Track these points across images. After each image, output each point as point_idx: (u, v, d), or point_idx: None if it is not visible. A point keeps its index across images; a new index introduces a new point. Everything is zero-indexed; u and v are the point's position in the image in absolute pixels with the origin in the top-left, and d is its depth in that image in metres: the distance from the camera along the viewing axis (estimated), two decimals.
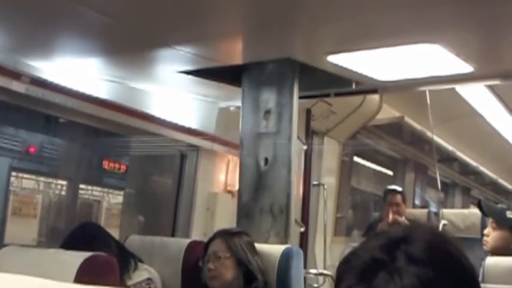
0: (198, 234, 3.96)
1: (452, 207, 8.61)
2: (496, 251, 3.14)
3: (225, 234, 2.99)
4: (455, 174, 8.78)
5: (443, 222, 4.59)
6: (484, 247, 3.21)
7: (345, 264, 0.99)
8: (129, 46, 2.99)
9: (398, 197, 5.08)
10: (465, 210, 4.49)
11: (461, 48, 2.78)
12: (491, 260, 2.74)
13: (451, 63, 2.93)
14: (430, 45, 2.71)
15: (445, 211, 5.02)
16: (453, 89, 4.30)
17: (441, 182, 5.08)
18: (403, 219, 5.06)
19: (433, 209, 6.57)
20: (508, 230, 3.14)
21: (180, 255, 3.16)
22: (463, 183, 9.38)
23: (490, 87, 4.49)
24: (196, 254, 3.12)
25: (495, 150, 7.40)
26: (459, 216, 4.81)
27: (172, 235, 4.04)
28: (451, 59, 2.87)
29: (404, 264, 0.93)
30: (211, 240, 3.00)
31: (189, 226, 4.04)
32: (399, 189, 5.33)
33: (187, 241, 3.29)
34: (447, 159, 7.34)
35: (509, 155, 7.48)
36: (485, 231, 3.23)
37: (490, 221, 3.23)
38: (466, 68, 2.99)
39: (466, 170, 8.56)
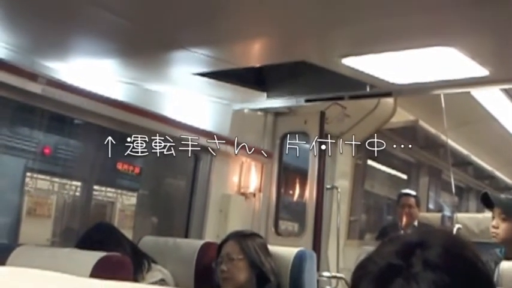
0: (211, 235, 3.97)
1: (467, 211, 8.56)
2: (507, 243, 3.14)
3: (238, 236, 3.00)
4: (469, 178, 8.76)
5: (457, 226, 4.56)
6: (494, 239, 3.19)
7: (361, 270, 0.99)
8: (145, 48, 3.01)
9: (412, 200, 5.10)
10: (479, 215, 4.45)
11: (476, 51, 2.77)
12: (505, 264, 2.71)
13: (466, 66, 2.92)
14: (445, 49, 2.70)
15: (459, 215, 4.99)
16: (468, 92, 4.29)
17: (455, 186, 5.05)
18: (416, 223, 5.06)
19: (447, 213, 6.54)
20: None
21: (194, 257, 3.17)
22: (478, 187, 9.28)
23: (505, 91, 4.49)
24: (209, 255, 3.13)
25: (510, 155, 7.35)
26: (473, 220, 4.77)
27: (186, 236, 4.04)
28: (467, 63, 2.86)
29: (421, 269, 0.93)
30: (224, 242, 3.01)
31: (202, 227, 4.05)
32: (413, 193, 5.32)
33: (200, 242, 3.30)
34: (462, 163, 7.32)
35: None
36: (493, 223, 3.19)
37: (497, 212, 3.19)
38: (482, 71, 2.98)
39: (480, 174, 8.53)
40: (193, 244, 3.32)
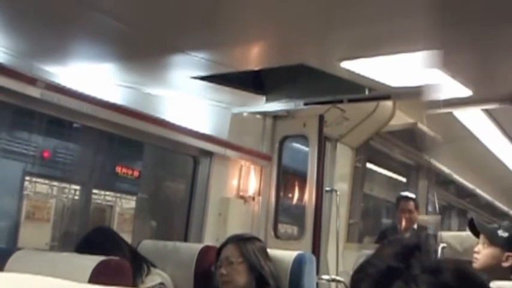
0: (210, 239, 3.97)
1: (449, 229, 8.57)
2: (486, 269, 3.13)
3: (237, 240, 3.01)
4: (451, 196, 8.80)
5: (442, 245, 4.53)
6: (474, 264, 3.18)
7: (360, 273, 1.01)
8: (144, 52, 3.02)
9: (412, 205, 5.10)
10: (463, 233, 4.44)
11: (459, 72, 2.84)
12: (494, 285, 2.73)
13: (449, 87, 2.99)
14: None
15: (444, 234, 4.93)
16: (450, 112, 4.37)
17: (438, 204, 5.10)
18: (415, 226, 5.05)
19: (431, 231, 6.55)
20: (499, 248, 3.13)
21: (193, 260, 3.18)
22: (460, 205, 9.43)
23: (487, 111, 4.53)
24: (208, 259, 3.14)
25: (491, 173, 7.41)
26: (457, 239, 4.71)
27: (185, 240, 4.04)
28: (450, 83, 2.93)
29: (420, 272, 0.95)
30: (223, 245, 3.02)
31: (201, 231, 4.05)
32: (412, 195, 5.31)
33: (199, 246, 3.31)
34: (444, 181, 7.37)
35: (505, 177, 7.48)
36: (476, 249, 3.22)
37: (480, 239, 3.22)
38: (465, 91, 3.05)
39: (462, 192, 8.59)
40: (192, 248, 3.33)
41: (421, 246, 0.99)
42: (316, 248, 4.14)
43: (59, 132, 10.13)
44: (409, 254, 0.98)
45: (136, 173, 11.90)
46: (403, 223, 5.04)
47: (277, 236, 4.39)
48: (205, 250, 3.23)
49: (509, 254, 3.10)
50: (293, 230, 6.73)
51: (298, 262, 3.02)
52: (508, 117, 4.63)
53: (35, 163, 10.53)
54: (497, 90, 3.21)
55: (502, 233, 3.14)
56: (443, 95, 3.15)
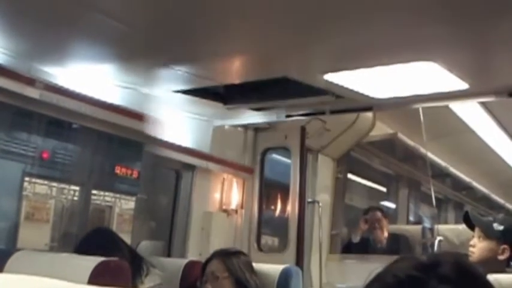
0: (193, 253, 3.95)
1: (446, 222, 8.53)
2: (482, 262, 3.13)
3: (222, 255, 3.00)
4: (447, 189, 8.74)
5: (438, 238, 4.57)
6: (470, 258, 3.20)
7: (378, 282, 1.01)
8: (142, 54, 3.00)
9: (378, 214, 5.04)
10: (459, 226, 4.36)
11: (456, 65, 2.83)
12: (491, 278, 2.79)
13: (446, 80, 2.97)
14: (425, 63, 2.75)
15: (440, 227, 4.96)
16: (447, 106, 4.32)
17: (434, 197, 5.03)
18: (385, 235, 4.99)
19: (427, 224, 6.54)
20: (495, 241, 3.15)
21: (178, 275, 3.17)
22: (456, 198, 9.32)
23: (483, 104, 4.52)
24: (193, 274, 3.13)
25: (487, 166, 7.36)
26: (454, 232, 4.77)
27: (168, 255, 4.01)
28: (447, 76, 2.91)
29: (438, 283, 0.96)
30: (209, 260, 3.01)
31: (184, 246, 4.02)
32: (380, 206, 5.28)
33: (184, 261, 3.30)
34: (440, 174, 7.26)
35: (502, 170, 7.45)
36: (471, 242, 3.24)
37: (476, 232, 3.24)
38: (461, 85, 3.02)
39: (458, 185, 8.51)
40: (177, 263, 3.31)
41: (439, 260, 1.00)
42: (300, 260, 4.08)
43: (58, 133, 10.15)
44: (426, 267, 0.99)
45: (135, 173, 11.91)
46: (375, 235, 4.95)
47: (260, 249, 4.34)
48: (190, 265, 3.21)
49: (505, 246, 3.12)
50: (273, 241, 6.75)
51: (285, 276, 3.01)
52: (505, 110, 4.64)
53: (34, 164, 10.57)
54: (493, 83, 3.17)
55: (497, 226, 3.16)
56: (439, 88, 3.11)
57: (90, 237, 3.09)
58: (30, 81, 2.92)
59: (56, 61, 3.11)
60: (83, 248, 2.84)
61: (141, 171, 4.36)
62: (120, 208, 13.81)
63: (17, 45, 2.91)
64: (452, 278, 0.97)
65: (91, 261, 2.01)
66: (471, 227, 3.30)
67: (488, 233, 3.18)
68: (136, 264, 2.99)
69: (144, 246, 4.07)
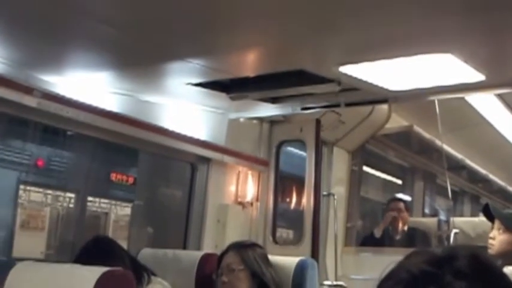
0: (209, 246, 3.97)
1: (461, 215, 8.62)
2: (502, 255, 3.14)
3: (238, 247, 3.01)
4: (463, 182, 8.79)
5: (454, 231, 4.57)
6: (489, 250, 3.19)
7: (391, 279, 0.99)
8: (140, 59, 3.01)
9: (402, 205, 5.12)
10: (475, 219, 4.46)
11: (472, 57, 2.78)
12: (507, 271, 2.71)
13: (462, 72, 2.93)
14: (441, 55, 2.71)
15: (456, 219, 5.00)
16: (462, 98, 4.32)
17: (450, 190, 5.09)
18: (406, 227, 5.05)
19: (443, 217, 6.56)
20: None
21: (194, 268, 3.17)
22: (472, 191, 9.40)
23: (500, 96, 4.53)
24: (209, 266, 3.14)
25: (504, 158, 7.43)
26: (470, 224, 4.81)
27: (184, 247, 4.03)
28: (463, 68, 2.87)
29: (452, 279, 0.94)
30: (224, 252, 3.02)
31: (200, 238, 4.04)
32: (403, 197, 5.32)
33: (200, 254, 3.31)
34: (456, 167, 7.33)
35: None
36: (491, 234, 3.23)
37: (496, 224, 3.22)
38: (478, 76, 2.99)
39: (474, 177, 8.58)
40: (192, 255, 3.33)
41: (455, 254, 0.98)
42: (316, 253, 4.12)
43: (52, 140, 10.12)
44: (440, 262, 0.97)
45: (131, 180, 11.86)
46: (393, 223, 5.03)
47: (275, 242, 4.38)
48: (206, 258, 3.22)
49: None
50: (288, 233, 6.75)
51: (300, 268, 3.02)
52: None
53: (29, 172, 10.49)
54: (510, 75, 3.13)
55: None
56: (456, 79, 3.09)
57: (90, 246, 3.00)
58: (28, 90, 2.91)
59: (54, 69, 3.12)
60: (83, 257, 2.77)
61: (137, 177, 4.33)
62: (116, 214, 13.77)
63: (14, 54, 2.91)
64: (468, 273, 0.95)
65: (95, 272, 2.00)
66: (491, 219, 3.28)
67: (509, 225, 3.17)
68: (138, 272, 2.93)
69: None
